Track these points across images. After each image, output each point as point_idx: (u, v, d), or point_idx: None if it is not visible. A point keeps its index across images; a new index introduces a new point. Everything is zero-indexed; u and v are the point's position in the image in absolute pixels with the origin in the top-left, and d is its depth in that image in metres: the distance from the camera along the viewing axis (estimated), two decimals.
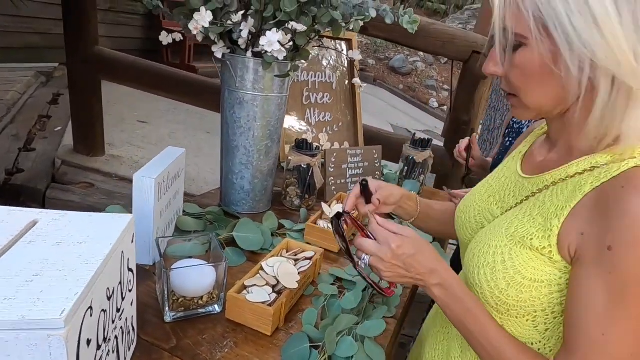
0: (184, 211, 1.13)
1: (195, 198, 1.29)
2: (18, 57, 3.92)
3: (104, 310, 0.52)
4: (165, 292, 0.76)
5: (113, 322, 0.56)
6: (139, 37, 5.21)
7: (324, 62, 1.65)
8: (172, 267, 0.75)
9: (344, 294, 0.87)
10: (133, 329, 0.68)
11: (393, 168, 1.70)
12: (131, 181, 0.88)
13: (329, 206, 1.22)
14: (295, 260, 0.92)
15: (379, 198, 0.84)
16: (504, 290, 0.62)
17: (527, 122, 1.47)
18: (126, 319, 0.63)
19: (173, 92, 2.53)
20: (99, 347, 0.51)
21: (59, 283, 0.46)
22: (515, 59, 0.59)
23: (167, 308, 0.77)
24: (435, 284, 0.66)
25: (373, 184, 0.85)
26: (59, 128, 2.78)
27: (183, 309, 0.78)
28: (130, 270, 0.63)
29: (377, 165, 1.54)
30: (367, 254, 0.68)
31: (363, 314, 0.82)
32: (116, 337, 0.59)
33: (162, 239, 0.83)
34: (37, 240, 0.53)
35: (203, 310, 0.81)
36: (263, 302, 0.77)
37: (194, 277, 0.78)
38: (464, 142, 1.55)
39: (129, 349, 0.67)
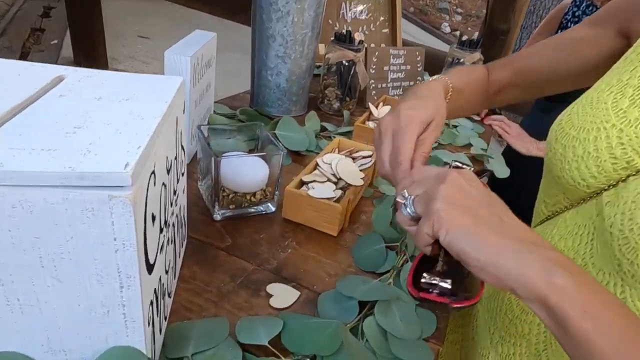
0: (214, 111, 0.99)
1: (223, 100, 1.15)
2: None
3: (164, 185, 0.40)
4: (215, 186, 0.64)
5: (172, 204, 0.45)
6: None
7: None
8: (222, 156, 0.63)
9: None
10: (185, 223, 0.58)
11: None
12: None
13: (376, 108, 1.08)
14: (353, 159, 0.80)
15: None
16: None
17: None
18: (180, 208, 0.52)
19: None
20: (161, 229, 0.40)
21: (112, 137, 0.33)
22: None
23: (216, 205, 0.66)
24: (555, 262, 0.32)
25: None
26: (55, 41, 2.56)
27: (234, 206, 0.68)
28: (182, 148, 0.50)
29: (419, 69, 1.38)
30: (414, 187, 0.40)
31: None
32: (173, 226, 0.48)
33: (204, 127, 0.70)
34: (69, 94, 0.40)
35: (255, 209, 0.70)
36: (328, 199, 0.67)
37: (246, 169, 0.67)
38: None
39: (182, 244, 0.57)
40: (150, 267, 0.36)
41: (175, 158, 0.46)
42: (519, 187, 1.22)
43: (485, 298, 0.60)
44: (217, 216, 0.67)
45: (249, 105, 1.12)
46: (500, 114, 1.42)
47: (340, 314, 0.52)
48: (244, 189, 0.67)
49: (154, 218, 0.37)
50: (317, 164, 0.76)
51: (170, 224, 0.46)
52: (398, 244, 0.64)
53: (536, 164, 1.24)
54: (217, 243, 0.62)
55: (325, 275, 0.60)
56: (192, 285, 0.54)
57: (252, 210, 0.70)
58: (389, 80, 1.30)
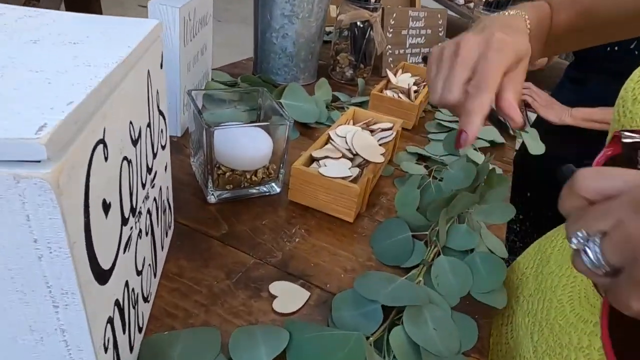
0: (212, 79, 0.88)
1: (222, 67, 1.03)
2: None
3: (127, 160, 0.30)
4: (208, 163, 0.54)
5: (144, 186, 0.35)
6: None
7: None
8: (217, 127, 0.53)
9: (443, 172, 0.65)
10: (169, 207, 0.48)
11: None
12: None
13: (395, 75, 0.96)
14: (370, 132, 0.69)
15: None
16: None
17: None
18: (160, 190, 0.42)
19: None
20: (125, 220, 0.30)
21: (37, 88, 0.23)
22: None
23: (209, 185, 0.56)
24: None
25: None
26: None
27: (231, 187, 0.57)
28: (161, 113, 0.40)
29: (440, 34, 1.24)
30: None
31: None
32: (149, 213, 0.37)
33: (196, 92, 0.59)
34: None
35: (257, 190, 0.60)
36: (343, 178, 0.56)
37: (246, 142, 0.56)
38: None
39: (166, 233, 0.47)
40: (103, 275, 0.26)
41: (149, 125, 0.35)
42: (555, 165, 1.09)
43: (526, 296, 0.50)
44: (212, 198, 0.57)
45: (252, 73, 1.01)
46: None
47: (360, 323, 0.42)
48: (242, 166, 0.57)
49: (107, 207, 0.26)
50: (329, 137, 0.64)
51: (144, 212, 0.36)
52: (427, 232, 0.53)
53: (573, 135, 1.12)
54: (211, 231, 0.52)
55: (341, 270, 0.50)
56: (178, 284, 0.45)
57: (253, 191, 0.59)
58: (407, 46, 1.17)
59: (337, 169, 0.57)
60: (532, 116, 1.23)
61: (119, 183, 0.28)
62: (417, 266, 0.51)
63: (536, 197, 1.20)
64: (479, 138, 0.82)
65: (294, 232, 0.54)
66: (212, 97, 0.64)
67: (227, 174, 0.56)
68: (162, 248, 0.45)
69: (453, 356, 0.41)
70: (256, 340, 0.38)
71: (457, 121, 0.90)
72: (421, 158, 0.76)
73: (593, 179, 0.25)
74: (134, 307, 0.34)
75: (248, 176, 0.58)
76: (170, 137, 0.70)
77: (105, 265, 0.27)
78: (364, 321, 0.42)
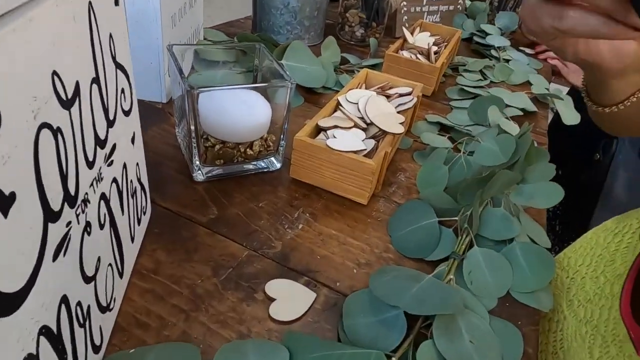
0: (204, 37, 0.77)
1: (217, 26, 0.92)
2: None
3: (52, 129, 0.20)
4: (194, 133, 0.45)
5: (91, 164, 0.26)
6: None
7: None
8: (202, 88, 0.43)
9: (470, 145, 0.56)
10: (143, 189, 0.39)
11: None
12: None
13: (412, 34, 0.84)
14: (386, 98, 0.59)
15: None
16: None
17: None
18: (125, 168, 0.33)
19: None
20: (53, 215, 0.21)
21: None
22: None
23: (195, 159, 0.47)
24: None
25: None
26: None
27: (222, 161, 0.48)
28: (120, 67, 0.30)
29: None
30: None
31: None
32: (104, 199, 0.29)
33: (178, 47, 0.49)
34: None
35: (253, 166, 0.51)
36: (356, 152, 0.46)
37: (239, 109, 0.46)
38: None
39: (138, 221, 0.38)
40: (7, 303, 0.17)
41: (97, 82, 0.26)
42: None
43: (583, 302, 0.41)
44: (199, 176, 0.48)
45: (251, 32, 0.90)
46: None
47: (379, 334, 0.34)
48: (235, 138, 0.47)
49: (10, 200, 0.17)
50: (338, 104, 0.55)
51: (94, 199, 0.27)
52: (457, 217, 0.44)
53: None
54: (197, 216, 0.44)
55: (353, 265, 0.41)
56: (153, 284, 0.36)
57: (248, 167, 0.50)
58: (424, 3, 1.04)
59: (348, 140, 0.47)
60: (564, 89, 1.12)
61: (34, 163, 0.19)
62: (445, 259, 0.42)
63: (568, 174, 1.10)
64: (509, 106, 0.72)
65: (297, 217, 0.45)
66: (201, 56, 0.55)
67: (217, 146, 0.47)
68: (132, 240, 0.36)
69: None
70: None
71: (482, 87, 0.80)
72: (443, 128, 0.66)
73: None
74: (81, 326, 0.26)
75: (242, 149, 0.48)
76: (153, 103, 0.61)
77: (12, 286, 0.18)
78: (384, 331, 0.34)
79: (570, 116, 0.80)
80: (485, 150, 0.51)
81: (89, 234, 0.26)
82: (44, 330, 0.21)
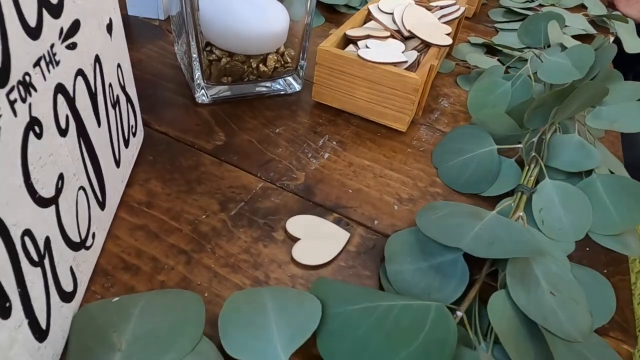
0: None
1: None
2: None
3: None
4: (194, 42, 0.36)
5: (32, 33, 0.17)
6: None
7: None
8: None
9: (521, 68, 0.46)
10: (130, 102, 0.31)
11: None
12: None
13: None
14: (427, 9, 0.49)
15: None
16: None
17: None
18: (98, 63, 0.24)
19: None
20: None
21: None
22: None
23: (197, 76, 0.38)
24: None
25: None
26: None
27: (229, 79, 0.40)
28: None
29: None
30: None
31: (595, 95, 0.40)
32: (66, 96, 0.21)
33: None
34: None
35: (267, 87, 0.42)
36: (394, 64, 0.37)
37: (249, 12, 0.37)
38: None
39: (125, 143, 0.30)
40: None
41: None
42: None
43: None
44: (202, 97, 0.40)
45: None
46: None
47: (433, 283, 0.26)
48: (244, 49, 0.38)
49: None
50: (369, 14, 0.45)
51: (47, 90, 0.19)
52: (520, 145, 0.36)
53: None
54: (200, 142, 0.36)
55: (393, 200, 0.33)
56: (146, 220, 0.29)
57: (262, 89, 0.42)
58: None
59: (385, 52, 0.38)
60: None
61: None
62: (505, 195, 0.34)
63: None
64: (568, 26, 0.61)
65: (322, 145, 0.37)
66: None
67: (223, 60, 0.39)
68: (117, 163, 0.28)
69: (586, 339, 0.25)
70: (266, 317, 0.22)
71: (531, 8, 0.68)
72: (489, 51, 0.56)
73: None
74: (35, 264, 0.18)
75: (254, 64, 0.40)
76: (150, 20, 0.52)
77: None
78: (439, 280, 0.26)
79: (633, 44, 0.68)
80: (553, 65, 0.41)
81: (37, 135, 0.18)
82: None
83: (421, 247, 0.28)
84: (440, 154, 0.38)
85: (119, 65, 0.28)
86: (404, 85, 0.36)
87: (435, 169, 0.37)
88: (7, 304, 0.16)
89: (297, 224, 0.30)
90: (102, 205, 0.26)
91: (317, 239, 0.29)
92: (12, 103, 0.16)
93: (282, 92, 0.42)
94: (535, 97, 0.39)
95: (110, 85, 0.26)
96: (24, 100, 0.17)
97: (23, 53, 0.17)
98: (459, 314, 0.24)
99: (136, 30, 0.50)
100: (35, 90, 0.18)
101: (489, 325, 0.24)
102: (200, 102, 0.40)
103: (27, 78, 0.17)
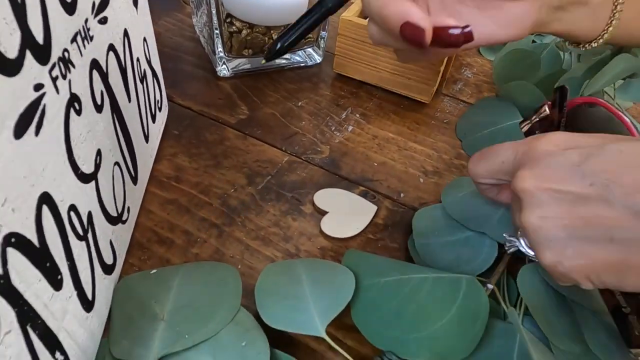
0: None
1: None
2: None
3: None
4: (215, 15, 0.35)
5: (69, 8, 0.17)
6: None
7: None
8: None
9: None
10: (155, 76, 0.30)
11: None
12: None
13: None
14: None
15: None
16: None
17: None
18: (127, 37, 0.24)
19: None
20: (8, 66, 0.13)
21: None
22: None
23: (219, 49, 0.38)
24: None
25: None
26: None
27: (250, 52, 0.39)
28: None
29: None
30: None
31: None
32: (100, 72, 0.21)
33: None
34: None
35: (287, 59, 0.41)
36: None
37: None
38: None
39: (152, 118, 0.30)
40: None
41: None
42: None
43: None
44: (223, 71, 0.39)
45: None
46: None
47: (463, 257, 0.26)
48: (265, 20, 0.38)
49: None
50: None
51: (84, 66, 0.19)
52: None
53: None
54: (224, 116, 0.36)
55: (419, 172, 0.33)
56: (175, 194, 0.29)
57: (282, 61, 0.41)
58: None
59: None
60: None
61: None
62: None
63: None
64: None
65: (345, 118, 0.37)
66: None
67: (244, 32, 0.38)
68: (147, 139, 0.29)
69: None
70: (301, 288, 0.23)
71: None
72: None
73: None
74: (81, 238, 0.19)
75: (274, 36, 0.39)
76: None
77: None
78: (468, 253, 0.26)
79: None
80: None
81: (77, 112, 0.18)
82: (14, 240, 0.14)
83: (448, 222, 0.28)
84: (465, 126, 0.37)
85: (144, 40, 0.28)
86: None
87: (459, 141, 0.36)
88: (59, 277, 0.17)
89: (324, 198, 0.30)
90: (134, 180, 0.26)
91: (344, 212, 0.29)
92: (54, 80, 0.16)
93: (302, 65, 0.42)
94: (565, 68, 0.38)
95: (137, 59, 0.26)
96: (64, 77, 0.17)
97: (62, 29, 0.17)
98: (490, 286, 0.24)
99: (151, 2, 0.49)
100: (74, 66, 0.18)
101: (518, 296, 0.25)
102: (221, 75, 0.39)
103: (66, 54, 0.17)
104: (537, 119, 0.28)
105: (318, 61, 0.42)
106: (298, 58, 0.42)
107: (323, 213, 0.29)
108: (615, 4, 0.27)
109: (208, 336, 0.21)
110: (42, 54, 0.15)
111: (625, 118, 0.28)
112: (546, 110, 0.28)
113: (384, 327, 0.21)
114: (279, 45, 0.27)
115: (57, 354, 0.17)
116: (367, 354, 0.23)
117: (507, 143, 0.22)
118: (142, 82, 0.27)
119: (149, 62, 0.29)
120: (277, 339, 0.21)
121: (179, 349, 0.20)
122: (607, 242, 0.17)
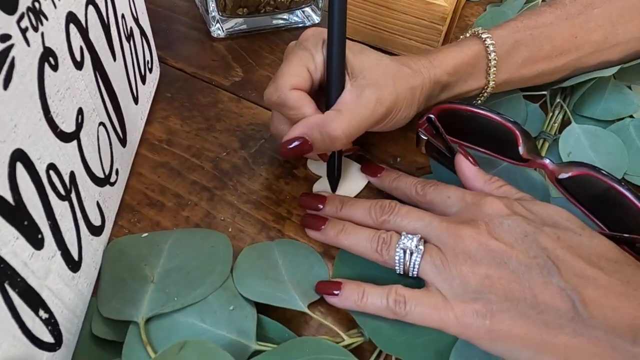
0: None
1: None
2: None
3: None
4: None
5: None
6: None
7: None
8: None
9: None
10: (144, 35, 0.29)
11: None
12: None
13: None
14: None
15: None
16: None
17: None
18: (112, 5, 0.23)
19: None
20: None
21: None
22: None
23: (212, 9, 0.36)
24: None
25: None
26: None
27: (245, 11, 0.38)
28: None
29: None
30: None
31: None
32: (78, 26, 0.20)
33: None
34: None
35: (284, 20, 0.40)
36: None
37: None
38: None
39: (142, 79, 0.29)
40: None
41: None
42: None
43: None
44: (218, 31, 0.38)
45: None
46: None
47: None
48: None
49: None
50: None
51: (59, 19, 0.18)
52: (545, 92, 0.34)
53: None
54: (218, 78, 0.35)
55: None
56: (167, 157, 0.29)
57: (279, 22, 0.40)
58: None
59: None
60: None
61: None
62: (537, 138, 0.33)
63: None
64: None
65: None
66: None
67: None
68: (136, 100, 0.28)
69: None
70: (279, 272, 0.22)
71: None
72: None
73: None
74: (63, 198, 0.19)
75: None
76: None
77: None
78: None
79: None
80: None
81: (53, 67, 0.18)
82: None
83: None
84: None
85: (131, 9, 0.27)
86: (431, 14, 0.34)
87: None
88: (40, 236, 0.17)
89: (318, 162, 0.29)
90: (123, 142, 0.26)
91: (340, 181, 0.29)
92: (23, 31, 0.15)
93: (300, 25, 0.40)
94: None
95: (122, 16, 0.25)
96: (35, 29, 0.16)
97: None
98: None
99: None
100: (47, 18, 0.17)
101: None
102: (215, 36, 0.38)
103: (36, 5, 0.16)
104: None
105: (316, 21, 0.41)
106: (296, 18, 0.40)
107: (316, 177, 0.28)
108: (487, 79, 0.29)
109: (197, 300, 0.21)
110: (7, 2, 0.14)
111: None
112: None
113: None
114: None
115: (41, 312, 0.17)
116: (352, 319, 0.23)
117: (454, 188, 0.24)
118: (128, 40, 0.26)
119: (136, 20, 0.28)
120: (265, 307, 0.21)
121: (168, 310, 0.21)
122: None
